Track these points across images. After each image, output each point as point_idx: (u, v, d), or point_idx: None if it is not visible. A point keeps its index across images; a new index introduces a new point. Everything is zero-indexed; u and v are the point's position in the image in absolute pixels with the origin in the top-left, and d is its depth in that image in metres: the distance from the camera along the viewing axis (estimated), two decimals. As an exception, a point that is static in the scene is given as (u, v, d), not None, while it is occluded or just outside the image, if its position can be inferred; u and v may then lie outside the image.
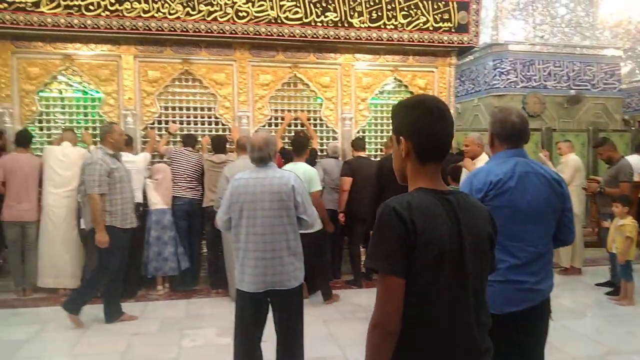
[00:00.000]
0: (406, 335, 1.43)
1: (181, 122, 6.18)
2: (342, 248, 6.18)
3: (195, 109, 6.25)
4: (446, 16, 6.38)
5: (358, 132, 6.58)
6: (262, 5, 5.88)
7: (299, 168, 4.91)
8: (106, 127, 4.65)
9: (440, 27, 6.39)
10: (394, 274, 1.40)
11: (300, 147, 5.14)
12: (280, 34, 5.98)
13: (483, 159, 4.72)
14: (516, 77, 10.83)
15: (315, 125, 6.52)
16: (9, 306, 5.20)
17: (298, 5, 5.96)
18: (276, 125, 6.42)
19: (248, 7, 5.85)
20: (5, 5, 5.35)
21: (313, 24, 6.02)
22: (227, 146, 5.89)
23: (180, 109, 6.22)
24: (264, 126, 6.36)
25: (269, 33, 5.95)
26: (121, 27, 5.62)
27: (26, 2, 5.39)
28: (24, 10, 5.40)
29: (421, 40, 6.38)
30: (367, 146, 6.35)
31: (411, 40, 6.35)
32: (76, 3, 5.49)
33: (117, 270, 4.61)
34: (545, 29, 11.22)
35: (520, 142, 2.46)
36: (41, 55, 5.79)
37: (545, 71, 10.99)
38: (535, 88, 10.86)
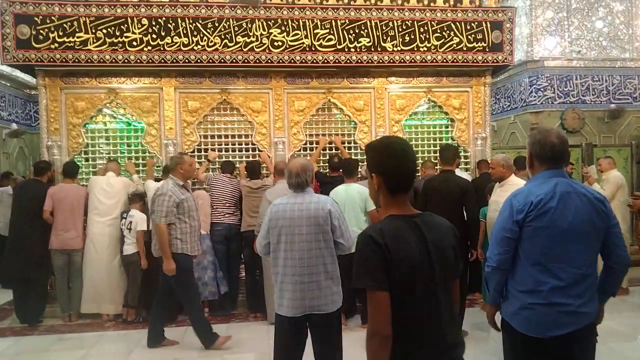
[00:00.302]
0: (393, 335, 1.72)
1: (220, 150, 6.35)
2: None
3: (233, 136, 6.42)
4: (480, 36, 6.38)
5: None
6: (297, 34, 6.04)
7: (353, 188, 5.15)
8: (178, 157, 4.76)
9: (474, 47, 6.39)
10: (379, 289, 1.70)
11: (351, 170, 5.35)
12: (315, 61, 6.11)
13: (511, 181, 4.57)
14: (553, 93, 10.64)
15: (349, 148, 6.58)
16: (56, 332, 5.38)
17: (331, 32, 6.09)
18: (311, 149, 6.51)
19: (283, 37, 6.02)
20: (56, 45, 5.68)
21: (346, 49, 6.13)
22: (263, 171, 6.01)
23: (219, 136, 6.40)
24: (299, 151, 6.46)
25: (303, 61, 6.09)
26: (162, 61, 5.87)
27: (75, 42, 5.71)
28: (72, 49, 5.72)
29: (455, 60, 6.39)
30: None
31: (445, 61, 6.37)
32: (120, 40, 5.78)
33: (171, 293, 4.70)
34: (582, 44, 11.01)
35: (561, 163, 2.44)
36: (87, 90, 6.10)
37: (583, 86, 10.76)
38: (573, 103, 10.63)
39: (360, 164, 5.90)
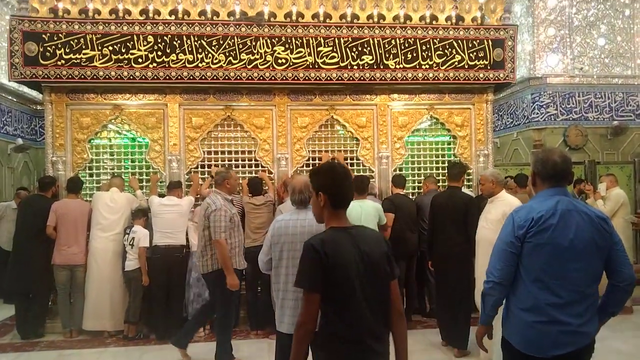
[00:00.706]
0: (330, 328, 2.14)
1: (223, 166, 6.38)
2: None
3: (236, 152, 6.46)
4: (481, 54, 6.43)
5: (395, 170, 6.61)
6: (300, 52, 6.10)
7: (368, 204, 5.29)
8: (224, 173, 4.78)
9: (475, 65, 6.43)
10: (313, 291, 2.09)
11: (362, 187, 5.39)
12: (318, 78, 6.17)
13: (501, 197, 4.54)
14: (556, 110, 10.67)
15: (352, 164, 6.60)
16: (56, 347, 5.36)
17: (335, 50, 6.15)
18: (314, 165, 6.53)
19: (287, 54, 6.08)
20: (63, 61, 5.75)
21: (349, 67, 6.19)
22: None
23: (222, 152, 6.43)
24: (302, 167, 6.48)
25: (306, 78, 6.15)
26: (167, 78, 5.93)
27: (81, 58, 5.78)
28: (79, 66, 5.79)
29: (457, 78, 6.43)
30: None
31: (447, 78, 6.41)
32: (126, 57, 5.85)
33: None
34: (584, 61, 11.07)
35: (563, 182, 2.47)
36: (93, 106, 6.16)
37: (586, 103, 10.79)
38: (576, 120, 10.66)
39: (371, 180, 6.02)
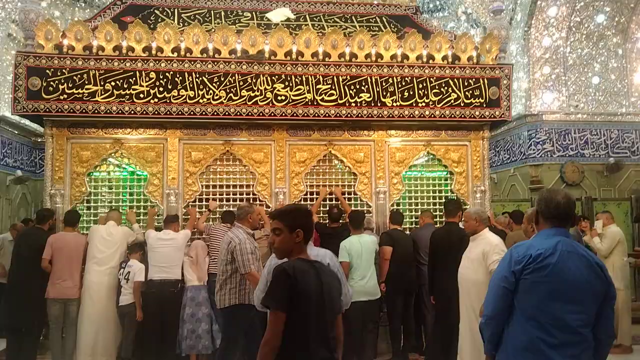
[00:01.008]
0: (291, 346, 2.33)
1: (221, 200, 6.40)
2: (379, 323, 5.94)
3: (234, 186, 6.49)
4: (477, 92, 6.54)
5: (392, 205, 6.63)
6: (300, 89, 6.21)
7: (367, 239, 5.44)
8: (248, 207, 4.84)
9: (471, 103, 6.53)
10: (279, 310, 2.31)
11: (359, 222, 5.56)
12: (317, 115, 6.25)
13: (484, 236, 4.44)
14: (552, 146, 10.77)
15: (349, 199, 6.62)
16: (48, 383, 5.26)
17: (333, 87, 6.26)
18: (312, 200, 6.55)
19: (286, 91, 6.18)
20: (65, 96, 5.84)
21: (347, 104, 6.28)
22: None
23: (221, 186, 6.46)
24: (299, 201, 6.50)
25: (305, 114, 6.23)
26: (168, 113, 6.01)
27: (83, 93, 5.87)
28: (81, 100, 5.87)
29: (453, 115, 6.52)
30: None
31: (443, 116, 6.50)
32: (128, 92, 5.94)
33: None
34: (579, 98, 11.27)
35: (565, 223, 2.49)
36: (93, 140, 6.22)
37: (582, 139, 10.90)
38: (572, 157, 10.74)
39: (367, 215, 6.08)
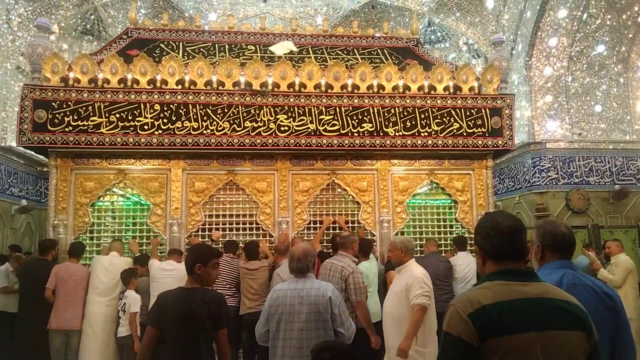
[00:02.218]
0: None
1: (224, 229, 6.39)
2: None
3: (237, 215, 6.48)
4: (479, 121, 6.57)
5: (396, 233, 6.60)
6: (302, 120, 6.26)
7: (375, 264, 5.60)
8: (352, 236, 5.00)
9: (474, 132, 6.56)
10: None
11: (368, 249, 5.64)
12: (319, 145, 6.29)
13: (409, 267, 4.18)
14: (557, 174, 10.75)
15: (352, 228, 6.59)
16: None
17: (336, 118, 6.31)
18: (315, 229, 6.53)
19: (289, 122, 6.24)
20: (70, 128, 5.91)
21: (350, 134, 6.32)
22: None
23: (224, 216, 6.46)
24: (302, 230, 6.48)
25: (308, 144, 6.27)
26: (172, 144, 6.06)
27: (88, 125, 5.94)
28: (85, 132, 5.94)
29: (455, 145, 6.53)
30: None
31: (446, 145, 6.52)
32: (132, 124, 6.01)
33: None
34: (582, 126, 11.29)
35: (570, 253, 2.44)
36: (97, 171, 6.26)
37: (586, 167, 10.88)
38: (577, 184, 10.71)
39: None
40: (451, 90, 6.63)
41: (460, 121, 6.53)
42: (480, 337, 1.67)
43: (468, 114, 6.56)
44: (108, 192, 6.39)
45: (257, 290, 5.53)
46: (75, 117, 5.93)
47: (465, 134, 6.54)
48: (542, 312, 1.75)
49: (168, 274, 5.49)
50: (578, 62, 11.39)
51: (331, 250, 6.10)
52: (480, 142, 6.57)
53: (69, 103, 5.93)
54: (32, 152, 9.39)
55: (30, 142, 5.90)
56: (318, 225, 6.54)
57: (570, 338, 1.74)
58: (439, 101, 6.52)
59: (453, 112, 6.53)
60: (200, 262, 3.03)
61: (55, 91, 5.93)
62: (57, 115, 5.90)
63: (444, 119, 6.50)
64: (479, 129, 6.56)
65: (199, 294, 3.03)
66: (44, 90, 5.91)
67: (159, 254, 5.99)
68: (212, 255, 3.15)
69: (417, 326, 3.88)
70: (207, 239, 6.28)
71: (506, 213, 2.12)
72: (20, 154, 10.23)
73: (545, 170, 10.72)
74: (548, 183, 10.67)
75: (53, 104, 5.90)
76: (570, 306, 1.83)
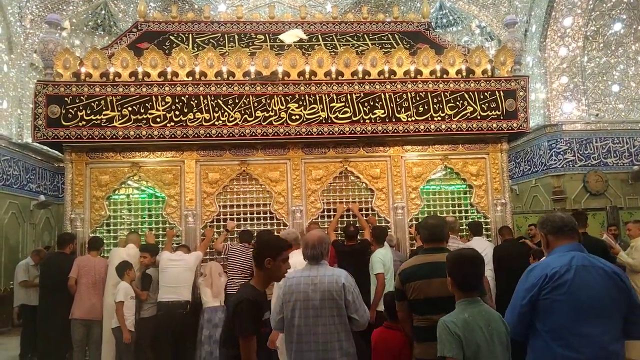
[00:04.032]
0: None
1: (238, 219, 6.42)
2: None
3: (251, 205, 6.50)
4: (493, 104, 6.47)
5: (411, 220, 6.56)
6: (314, 108, 6.23)
7: (390, 253, 5.48)
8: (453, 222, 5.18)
9: (488, 116, 6.46)
10: (252, 334, 2.69)
11: (383, 236, 5.57)
12: (331, 133, 6.26)
13: None
14: (573, 156, 10.60)
15: (367, 215, 6.57)
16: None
17: (347, 105, 6.27)
18: (329, 217, 6.52)
19: (300, 111, 6.22)
20: (84, 122, 5.96)
21: (362, 121, 6.28)
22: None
23: (238, 206, 6.48)
24: (316, 219, 6.47)
25: (320, 132, 6.25)
26: (184, 136, 6.09)
27: (101, 119, 5.99)
28: (99, 126, 5.98)
29: (469, 129, 6.45)
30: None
31: (459, 129, 6.44)
32: (145, 117, 6.04)
33: None
34: (599, 107, 11.08)
35: (575, 236, 2.49)
36: (112, 165, 6.31)
37: (604, 148, 10.71)
38: (595, 166, 10.55)
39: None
40: (464, 74, 6.54)
41: (473, 104, 6.44)
42: (403, 282, 3.11)
43: (482, 97, 6.46)
44: (123, 185, 6.44)
45: None
46: (88, 112, 5.97)
47: (479, 118, 6.45)
48: (431, 269, 3.00)
49: (175, 264, 5.56)
50: (594, 41, 11.16)
51: (345, 239, 6.07)
52: (494, 126, 6.48)
53: (82, 98, 5.97)
54: (48, 148, 9.53)
55: (45, 137, 5.96)
56: (332, 213, 6.52)
57: (444, 281, 2.65)
58: (451, 85, 6.44)
59: (466, 96, 6.44)
60: (270, 256, 2.85)
61: (68, 86, 5.97)
62: (70, 110, 5.95)
63: (457, 103, 6.42)
64: (493, 112, 6.47)
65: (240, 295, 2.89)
66: (56, 86, 5.96)
67: (174, 245, 6.04)
68: (283, 248, 2.95)
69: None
70: (222, 229, 6.32)
71: (435, 216, 3.56)
72: (36, 151, 10.38)
73: (561, 153, 10.58)
74: (565, 165, 10.53)
75: (66, 99, 5.95)
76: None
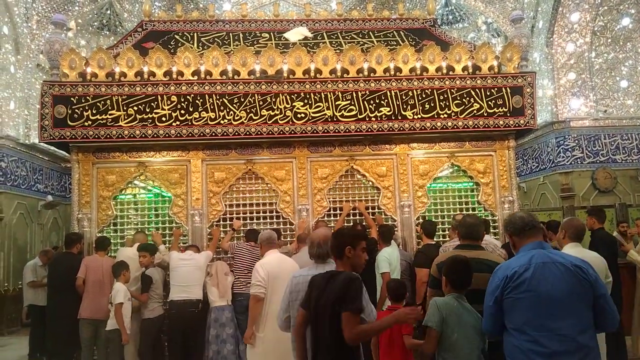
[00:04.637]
0: None
1: (244, 218, 6.41)
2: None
3: (257, 204, 6.49)
4: (500, 101, 6.42)
5: (418, 218, 6.52)
6: (319, 106, 6.22)
7: (396, 252, 5.44)
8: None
9: (495, 112, 6.42)
10: (361, 311, 2.69)
11: (389, 235, 5.52)
12: (337, 131, 6.24)
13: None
14: (582, 153, 10.51)
15: (373, 214, 6.54)
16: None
17: (353, 103, 6.24)
18: (335, 215, 6.50)
19: (306, 109, 6.20)
20: (90, 122, 5.98)
21: (367, 119, 6.25)
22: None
23: (244, 205, 6.48)
24: (322, 217, 6.46)
25: (326, 131, 6.23)
26: (190, 135, 6.09)
27: (107, 119, 6.00)
28: (105, 126, 6.00)
29: (476, 126, 6.41)
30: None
31: (466, 126, 6.40)
32: (150, 116, 6.05)
33: None
34: (607, 103, 10.97)
35: (536, 234, 2.62)
36: (118, 164, 6.33)
37: (612, 145, 10.61)
38: (603, 163, 10.46)
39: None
40: (470, 70, 6.49)
41: (480, 101, 6.40)
42: (440, 273, 3.09)
43: (488, 93, 6.42)
44: (129, 185, 6.46)
45: None
46: (94, 112, 5.99)
47: (485, 115, 6.40)
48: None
49: (186, 263, 5.57)
50: (602, 36, 11.05)
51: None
52: (501, 122, 6.43)
53: (88, 98, 5.99)
54: (55, 149, 9.57)
55: (51, 137, 5.98)
56: (338, 212, 6.50)
57: (485, 277, 2.77)
58: (457, 82, 6.39)
59: (473, 93, 6.39)
60: (350, 244, 2.90)
61: (74, 86, 5.99)
62: (76, 110, 5.97)
63: (464, 100, 6.38)
64: (499, 109, 6.42)
65: (341, 275, 2.84)
66: (62, 86, 5.98)
67: (181, 245, 6.05)
68: (361, 238, 3.00)
69: (251, 313, 4.16)
70: (228, 229, 6.31)
71: (473, 216, 3.93)
72: (44, 151, 10.43)
73: (569, 150, 10.49)
74: (573, 163, 10.44)
75: (72, 99, 5.97)
76: (488, 261, 3.11)
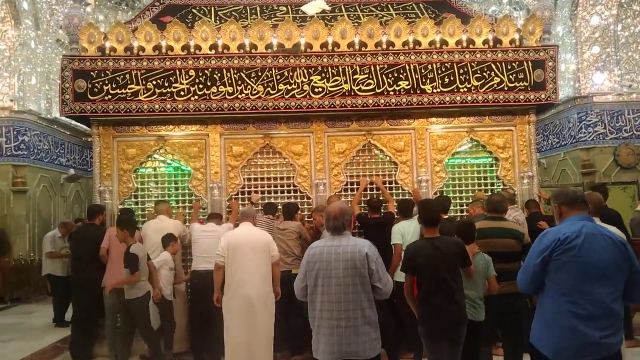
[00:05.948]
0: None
1: (262, 192, 6.47)
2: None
3: (275, 178, 6.54)
4: (521, 75, 6.31)
5: (435, 193, 6.51)
6: (337, 80, 6.18)
7: (416, 225, 5.22)
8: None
9: (515, 87, 6.31)
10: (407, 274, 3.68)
11: (408, 209, 5.51)
12: (354, 105, 6.22)
13: None
14: (604, 128, 10.33)
15: (390, 188, 6.54)
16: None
17: (370, 77, 6.20)
18: (352, 190, 6.52)
19: (323, 83, 6.18)
20: (109, 96, 6.05)
21: (385, 93, 6.21)
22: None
23: (262, 179, 6.54)
24: (340, 192, 6.49)
25: (343, 105, 6.21)
26: (208, 109, 6.13)
27: (126, 93, 6.06)
28: (124, 100, 6.07)
29: (496, 100, 6.31)
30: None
31: (486, 101, 6.31)
32: (169, 90, 6.09)
33: None
34: (632, 78, 10.69)
35: (586, 208, 2.80)
36: (138, 138, 6.41)
37: (636, 121, 10.40)
38: (626, 139, 10.26)
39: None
40: (491, 44, 6.36)
41: (501, 75, 6.29)
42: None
43: (509, 67, 6.30)
44: (150, 159, 6.55)
45: (285, 250, 5.57)
46: (114, 86, 6.05)
47: (506, 89, 6.30)
48: (492, 232, 4.18)
49: (208, 234, 5.65)
50: (629, 9, 10.72)
51: (369, 212, 6.06)
52: (522, 97, 6.33)
53: (107, 72, 6.05)
54: (76, 123, 9.72)
55: (72, 111, 6.07)
56: (355, 186, 6.52)
57: (505, 241, 4.12)
58: (478, 55, 6.29)
59: (493, 66, 6.29)
60: (443, 212, 3.48)
61: (93, 61, 6.05)
62: (96, 84, 6.04)
63: (484, 74, 6.28)
64: (520, 83, 6.31)
65: (445, 240, 3.63)
66: (82, 60, 6.04)
67: (200, 217, 6.15)
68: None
69: (215, 279, 4.80)
70: (246, 202, 6.39)
71: (499, 194, 5.55)
72: (65, 125, 10.60)
73: (592, 125, 10.31)
74: (595, 138, 10.27)
75: (92, 73, 6.04)
76: (509, 229, 4.25)
